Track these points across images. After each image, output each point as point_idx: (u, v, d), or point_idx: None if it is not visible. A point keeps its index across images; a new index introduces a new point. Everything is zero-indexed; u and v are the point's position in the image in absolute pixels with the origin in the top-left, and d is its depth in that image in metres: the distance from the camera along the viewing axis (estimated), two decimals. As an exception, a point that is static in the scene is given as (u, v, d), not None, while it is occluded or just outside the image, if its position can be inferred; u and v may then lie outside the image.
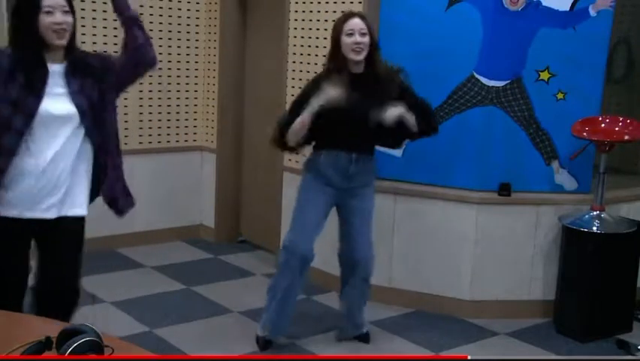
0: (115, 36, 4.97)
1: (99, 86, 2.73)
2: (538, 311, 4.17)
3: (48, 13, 2.58)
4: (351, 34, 3.35)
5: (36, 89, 2.59)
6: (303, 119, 3.30)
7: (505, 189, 4.10)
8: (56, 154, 2.64)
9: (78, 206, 2.74)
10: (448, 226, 4.16)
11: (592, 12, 4.02)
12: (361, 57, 3.38)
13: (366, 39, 3.37)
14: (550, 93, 4.09)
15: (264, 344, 3.63)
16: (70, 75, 2.67)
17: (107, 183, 2.81)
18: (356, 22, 3.37)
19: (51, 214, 2.68)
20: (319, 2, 4.49)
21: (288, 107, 3.63)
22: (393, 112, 3.31)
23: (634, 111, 4.62)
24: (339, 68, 3.40)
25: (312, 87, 3.40)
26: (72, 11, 2.66)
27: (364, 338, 3.79)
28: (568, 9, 4.02)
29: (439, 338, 3.87)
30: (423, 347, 3.76)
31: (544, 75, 4.07)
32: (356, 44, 3.34)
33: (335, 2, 4.39)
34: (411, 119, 3.36)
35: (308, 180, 3.55)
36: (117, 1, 2.87)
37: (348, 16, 3.44)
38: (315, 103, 3.28)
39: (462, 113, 4.13)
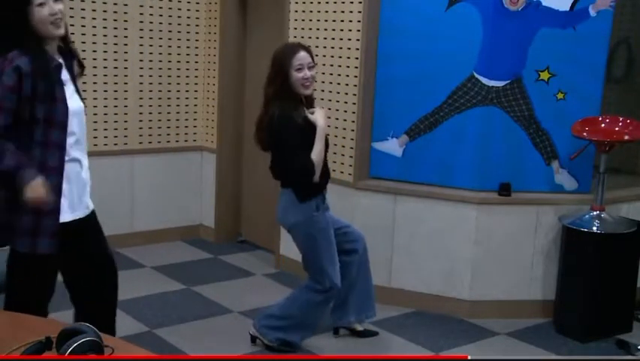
0: (115, 36, 4.97)
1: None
2: (538, 311, 4.17)
3: (41, 5, 2.48)
4: (300, 69, 3.34)
5: (59, 90, 2.55)
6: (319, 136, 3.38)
7: (505, 189, 4.10)
8: (83, 151, 2.69)
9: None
10: (448, 226, 4.16)
11: (592, 12, 4.02)
12: (310, 91, 3.43)
13: (313, 72, 3.40)
14: (551, 93, 4.09)
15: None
16: (68, 69, 2.64)
17: None
18: (304, 56, 3.36)
19: (88, 210, 2.75)
20: (319, 2, 4.49)
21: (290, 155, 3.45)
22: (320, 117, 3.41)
23: (634, 111, 4.62)
24: (281, 94, 3.37)
25: (295, 121, 3.38)
26: None
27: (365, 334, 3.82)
28: (568, 9, 4.02)
29: (439, 338, 3.87)
30: (423, 347, 3.76)
31: (544, 75, 4.07)
32: (305, 79, 3.35)
33: (335, 2, 4.39)
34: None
35: (319, 215, 3.48)
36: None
37: (294, 49, 3.41)
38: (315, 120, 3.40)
39: (462, 113, 4.13)
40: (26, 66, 2.45)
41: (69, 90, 2.60)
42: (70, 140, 2.59)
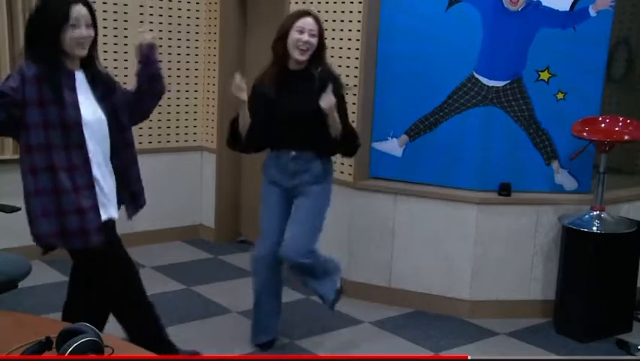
0: (115, 36, 4.97)
1: (110, 99, 2.85)
2: (538, 311, 4.17)
3: (73, 26, 2.64)
4: (300, 32, 3.30)
5: (71, 96, 2.67)
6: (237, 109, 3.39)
7: (505, 189, 4.11)
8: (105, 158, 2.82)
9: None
10: (448, 226, 4.16)
11: (592, 12, 4.02)
12: (305, 57, 3.33)
13: (314, 40, 3.32)
14: (551, 93, 4.09)
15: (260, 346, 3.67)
16: (90, 83, 2.77)
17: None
18: (308, 22, 3.32)
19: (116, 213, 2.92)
20: (319, 2, 4.48)
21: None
22: (330, 99, 3.24)
23: (634, 111, 4.62)
24: (278, 61, 3.38)
25: (256, 90, 3.45)
26: (94, 25, 2.74)
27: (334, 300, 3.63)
28: (568, 9, 4.02)
29: (439, 338, 3.87)
30: (423, 347, 3.76)
31: (545, 75, 4.07)
32: (303, 42, 3.29)
33: (335, 2, 4.39)
34: (336, 119, 3.32)
35: (263, 184, 3.59)
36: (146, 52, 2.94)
37: (302, 13, 3.38)
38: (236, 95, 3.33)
39: (462, 113, 4.13)
40: (30, 71, 2.59)
41: (85, 99, 2.72)
42: (92, 145, 2.72)
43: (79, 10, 2.64)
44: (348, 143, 3.48)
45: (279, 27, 3.39)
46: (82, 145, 2.68)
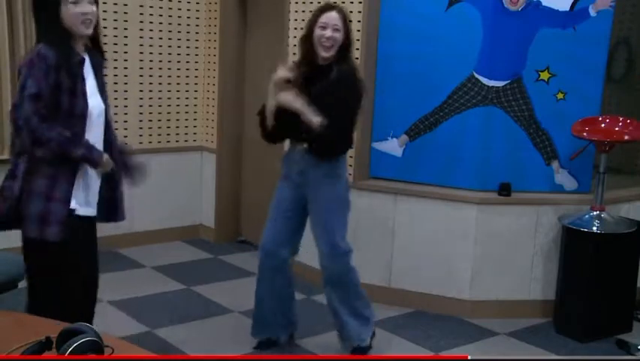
0: (115, 36, 4.97)
1: (104, 86, 2.77)
2: (538, 311, 4.17)
3: (75, 3, 2.53)
4: (324, 28, 3.21)
5: (80, 85, 2.59)
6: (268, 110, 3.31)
7: (505, 189, 4.10)
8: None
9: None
10: (448, 226, 4.16)
11: (592, 12, 4.02)
12: (329, 54, 3.22)
13: (339, 35, 3.21)
14: (551, 93, 4.09)
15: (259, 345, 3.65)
16: (93, 67, 2.68)
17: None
18: (331, 16, 3.22)
19: (94, 213, 2.76)
20: (319, 2, 4.48)
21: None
22: (287, 97, 3.16)
23: (634, 111, 4.62)
24: (305, 57, 3.31)
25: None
26: (96, 1, 2.62)
27: (359, 352, 3.53)
28: (568, 9, 4.02)
29: (439, 338, 3.87)
30: (423, 347, 3.76)
31: (545, 75, 4.07)
32: (326, 39, 3.20)
33: (335, 2, 4.38)
34: (308, 114, 3.14)
35: (279, 178, 3.53)
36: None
37: (325, 8, 3.28)
38: (271, 99, 3.26)
39: (462, 113, 4.13)
40: (52, 59, 2.49)
41: (90, 87, 2.64)
42: (88, 135, 2.62)
43: None
44: (317, 143, 3.28)
45: (305, 24, 3.33)
46: (79, 136, 2.60)
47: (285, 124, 3.30)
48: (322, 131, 3.16)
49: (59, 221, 2.54)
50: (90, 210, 2.72)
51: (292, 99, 3.18)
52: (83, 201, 2.66)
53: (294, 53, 4.64)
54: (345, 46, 3.27)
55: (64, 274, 2.61)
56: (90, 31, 2.60)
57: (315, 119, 3.14)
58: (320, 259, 3.43)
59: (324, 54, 3.23)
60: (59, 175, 2.56)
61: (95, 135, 2.66)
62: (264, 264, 3.51)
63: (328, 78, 3.23)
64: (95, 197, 2.73)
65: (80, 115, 2.58)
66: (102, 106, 2.70)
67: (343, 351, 3.57)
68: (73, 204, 2.60)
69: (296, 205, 3.45)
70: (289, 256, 3.53)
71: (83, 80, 2.61)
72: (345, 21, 3.27)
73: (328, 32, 3.21)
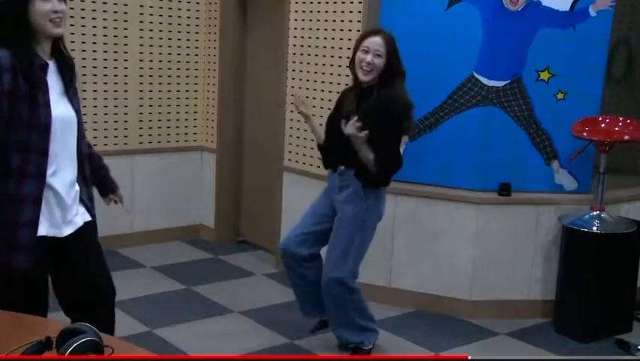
0: (115, 36, 4.97)
1: (77, 92, 2.52)
2: (538, 311, 4.17)
3: (45, 0, 2.30)
4: (365, 52, 3.24)
5: (43, 94, 2.33)
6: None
7: (505, 189, 4.10)
8: (72, 160, 2.48)
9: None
10: (448, 226, 4.16)
11: (592, 12, 4.03)
12: (368, 78, 3.26)
13: (379, 61, 3.23)
14: (551, 93, 4.09)
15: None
16: (60, 73, 2.43)
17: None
18: (374, 41, 3.25)
19: (75, 227, 2.50)
20: (319, 2, 4.48)
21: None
22: (350, 127, 3.15)
23: (634, 111, 4.62)
24: (354, 81, 3.38)
25: (338, 100, 3.51)
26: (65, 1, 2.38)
27: (359, 352, 3.55)
28: (568, 9, 4.02)
29: (439, 338, 3.87)
30: (423, 347, 3.76)
31: (545, 75, 4.07)
32: (366, 64, 3.23)
33: (335, 2, 4.39)
34: (363, 148, 3.19)
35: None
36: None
37: (370, 32, 3.34)
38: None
39: (462, 113, 4.13)
40: (5, 60, 2.25)
41: (54, 94, 2.38)
42: (54, 147, 2.37)
43: None
44: (374, 176, 3.32)
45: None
46: (43, 150, 2.33)
47: (332, 145, 3.43)
48: (373, 168, 3.24)
49: (27, 248, 2.32)
50: (69, 228, 2.47)
51: (355, 136, 3.17)
52: (61, 221, 2.43)
53: (294, 53, 4.65)
54: (388, 71, 3.27)
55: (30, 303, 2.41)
56: (60, 31, 2.36)
57: (370, 156, 3.21)
58: (322, 274, 3.42)
59: (363, 78, 3.28)
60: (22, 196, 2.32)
61: (62, 148, 2.40)
62: (285, 261, 3.58)
63: (368, 102, 3.28)
64: (74, 211, 2.48)
65: (43, 126, 2.31)
66: (71, 115, 2.43)
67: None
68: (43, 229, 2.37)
69: (328, 214, 3.48)
70: (298, 253, 3.50)
71: (46, 86, 2.35)
72: (390, 48, 3.27)
73: (369, 57, 3.24)
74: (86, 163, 2.55)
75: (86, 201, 2.56)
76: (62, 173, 2.42)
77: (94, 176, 2.65)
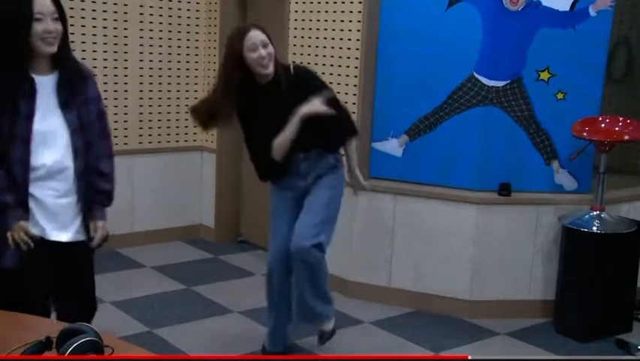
0: (115, 36, 4.97)
1: (88, 105, 2.59)
2: (538, 311, 4.17)
3: (38, 20, 2.39)
4: (254, 49, 3.15)
5: (24, 105, 2.43)
6: (292, 132, 3.22)
7: (505, 189, 4.10)
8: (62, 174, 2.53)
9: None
10: (448, 226, 4.16)
11: (592, 12, 4.02)
12: (270, 70, 3.21)
13: (270, 49, 3.20)
14: (550, 93, 4.09)
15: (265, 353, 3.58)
16: (60, 87, 2.51)
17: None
18: (256, 35, 3.18)
19: (68, 238, 2.59)
20: (319, 2, 4.48)
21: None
22: (316, 104, 3.19)
23: (634, 111, 4.62)
24: (245, 81, 3.24)
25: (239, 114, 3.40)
26: (63, 19, 2.48)
27: (326, 335, 3.49)
28: (568, 9, 4.02)
29: (439, 338, 3.87)
30: (423, 347, 3.76)
31: (545, 75, 4.07)
32: (262, 58, 3.16)
33: (335, 2, 4.39)
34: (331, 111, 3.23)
35: (272, 193, 3.47)
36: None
37: (244, 30, 3.22)
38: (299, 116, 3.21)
39: (462, 113, 4.13)
40: None
41: (45, 108, 2.46)
42: (37, 160, 2.45)
43: (42, 3, 2.39)
44: (352, 128, 3.47)
45: (226, 52, 3.28)
46: (24, 161, 2.42)
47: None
48: (341, 115, 3.33)
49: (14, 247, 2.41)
50: (62, 235, 2.54)
51: (317, 104, 3.20)
52: (53, 226, 2.52)
53: (294, 53, 4.65)
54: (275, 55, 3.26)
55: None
56: (53, 49, 2.44)
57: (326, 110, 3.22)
58: (292, 240, 3.28)
59: (265, 71, 3.20)
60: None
61: (47, 160, 2.47)
62: (272, 281, 3.46)
63: (290, 84, 3.26)
64: (68, 221, 2.56)
65: (22, 138, 2.41)
66: (64, 128, 2.49)
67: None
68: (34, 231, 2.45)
69: (298, 213, 3.37)
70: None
71: (31, 99, 2.43)
72: (267, 33, 3.24)
73: (262, 51, 3.17)
74: (84, 177, 2.57)
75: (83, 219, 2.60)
76: (49, 183, 2.49)
77: (87, 196, 2.62)
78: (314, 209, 3.34)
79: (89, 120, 2.58)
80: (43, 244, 2.50)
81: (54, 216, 2.53)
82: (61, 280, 2.63)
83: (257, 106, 3.31)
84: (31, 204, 2.48)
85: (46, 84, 2.48)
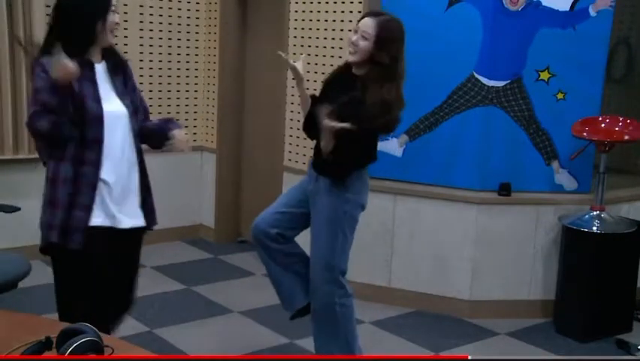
0: (115, 36, 4.97)
1: (135, 90, 2.74)
2: (538, 311, 4.17)
3: (113, 12, 2.55)
4: (355, 32, 3.02)
5: (87, 88, 2.52)
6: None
7: (505, 189, 4.11)
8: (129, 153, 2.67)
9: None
10: (448, 226, 4.16)
11: (592, 12, 4.03)
12: (352, 59, 3.01)
13: (364, 44, 2.95)
14: (550, 93, 4.09)
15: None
16: (110, 73, 2.62)
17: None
18: (364, 22, 3.00)
19: (128, 225, 2.72)
20: (319, 2, 4.49)
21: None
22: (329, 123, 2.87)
23: (634, 111, 4.62)
24: (346, 63, 3.11)
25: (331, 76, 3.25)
26: None
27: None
28: (568, 9, 4.02)
29: (439, 338, 3.87)
30: (423, 347, 3.76)
31: (545, 75, 4.07)
32: (351, 43, 3.00)
33: (335, 2, 4.39)
34: (326, 137, 2.92)
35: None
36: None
37: (368, 13, 3.13)
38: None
39: (462, 113, 4.13)
40: (49, 64, 2.43)
41: (105, 92, 2.57)
42: (108, 140, 2.56)
43: None
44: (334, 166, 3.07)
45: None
46: (98, 141, 2.53)
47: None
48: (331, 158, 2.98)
49: (80, 229, 2.51)
50: (127, 222, 2.66)
51: (330, 127, 2.89)
52: (116, 211, 2.60)
53: (294, 53, 4.65)
54: (373, 57, 2.99)
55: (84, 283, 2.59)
56: (114, 40, 2.62)
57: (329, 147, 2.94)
58: (314, 284, 3.19)
59: (348, 58, 3.05)
60: (80, 182, 2.53)
61: (115, 140, 2.58)
62: (254, 241, 3.32)
63: (345, 96, 3.00)
64: (131, 208, 2.68)
65: (95, 118, 2.51)
66: (123, 110, 2.61)
67: None
68: (98, 217, 2.55)
69: (303, 200, 3.22)
70: (267, 232, 3.24)
71: (94, 83, 2.55)
72: (381, 32, 2.98)
73: (354, 37, 2.99)
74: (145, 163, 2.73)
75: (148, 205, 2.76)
76: (113, 165, 2.58)
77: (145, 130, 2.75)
78: (315, 238, 3.17)
79: (136, 105, 2.71)
80: (110, 229, 2.60)
81: (123, 201, 2.63)
82: (119, 265, 2.77)
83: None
84: (103, 189, 2.56)
85: (100, 71, 2.59)
